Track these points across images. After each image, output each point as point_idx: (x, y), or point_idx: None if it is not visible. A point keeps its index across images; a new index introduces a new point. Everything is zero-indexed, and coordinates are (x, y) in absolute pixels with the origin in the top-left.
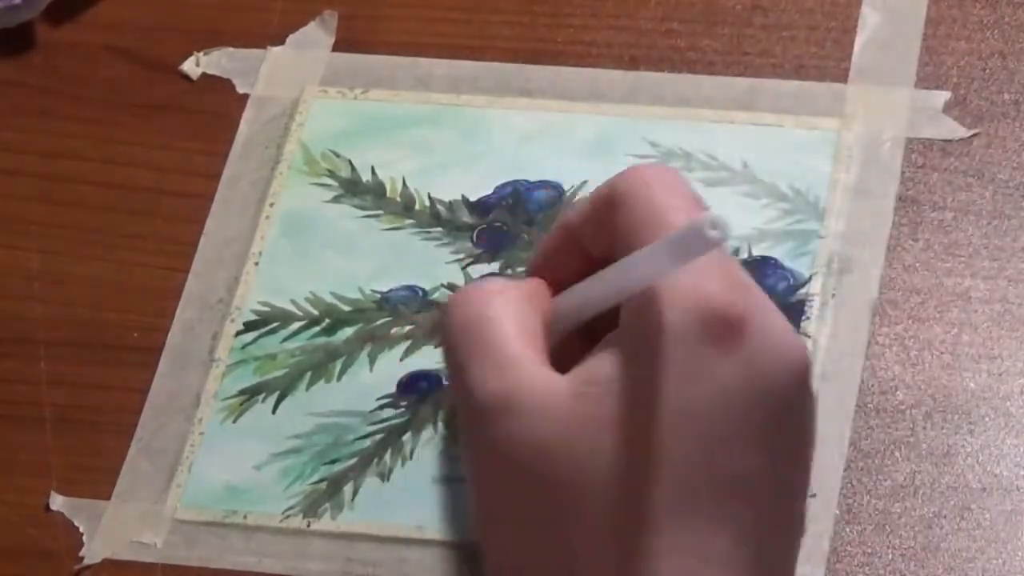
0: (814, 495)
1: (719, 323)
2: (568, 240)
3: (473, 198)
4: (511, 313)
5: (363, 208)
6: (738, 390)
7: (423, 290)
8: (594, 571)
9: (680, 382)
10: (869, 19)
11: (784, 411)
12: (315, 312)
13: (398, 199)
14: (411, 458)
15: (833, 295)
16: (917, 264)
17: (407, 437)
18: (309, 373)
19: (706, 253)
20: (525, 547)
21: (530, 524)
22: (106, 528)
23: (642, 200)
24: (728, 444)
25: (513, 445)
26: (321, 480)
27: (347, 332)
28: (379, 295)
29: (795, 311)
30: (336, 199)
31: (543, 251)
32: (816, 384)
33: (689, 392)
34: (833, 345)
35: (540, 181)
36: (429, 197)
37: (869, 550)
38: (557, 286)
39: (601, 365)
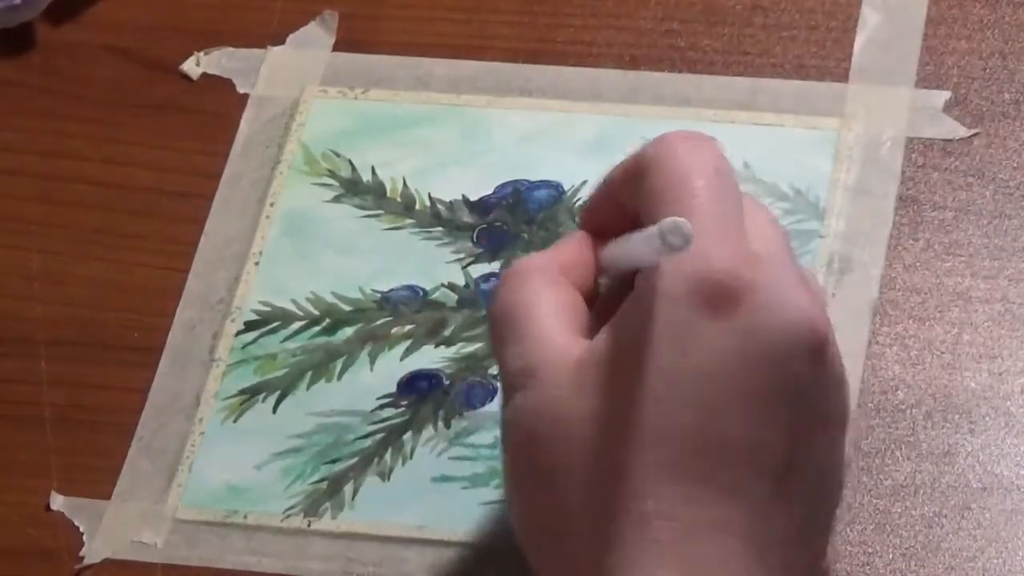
0: None
1: (714, 291)
2: (608, 197)
3: (473, 198)
4: (545, 292)
5: (363, 208)
6: (733, 358)
7: (423, 290)
8: (583, 535)
9: (668, 347)
10: (869, 19)
11: (787, 384)
12: (315, 312)
13: (398, 199)
14: (411, 458)
15: (833, 295)
16: (917, 264)
17: (407, 437)
18: (309, 373)
19: (671, 255)
20: (532, 514)
21: (534, 490)
22: (106, 528)
23: (666, 169)
24: (721, 412)
25: (522, 414)
26: (322, 480)
27: (347, 332)
28: (379, 295)
29: None
30: (336, 199)
31: (590, 204)
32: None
33: (678, 357)
34: None
35: (540, 181)
36: (429, 197)
37: (870, 549)
38: (605, 236)
39: (604, 331)
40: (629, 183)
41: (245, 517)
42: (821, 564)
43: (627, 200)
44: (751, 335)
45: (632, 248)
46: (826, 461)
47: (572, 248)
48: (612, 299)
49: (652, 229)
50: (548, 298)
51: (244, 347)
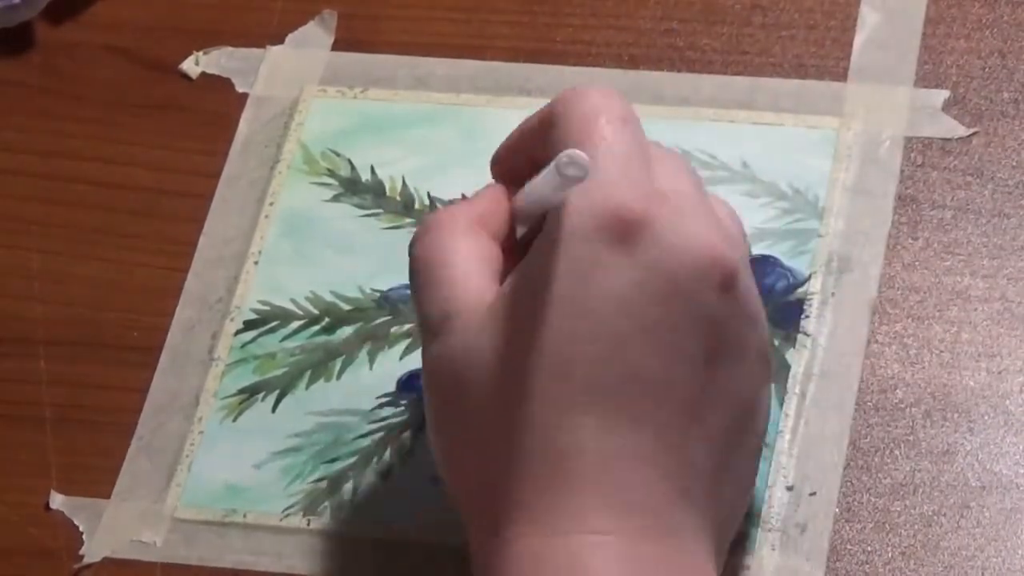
0: (814, 493)
1: (617, 223)
2: (520, 148)
3: None
4: (462, 242)
5: (363, 207)
6: (637, 288)
7: None
8: (500, 472)
9: (572, 280)
10: (868, 18)
11: (692, 316)
12: (315, 311)
13: (398, 198)
14: (411, 457)
15: (832, 294)
16: (916, 263)
17: (407, 435)
18: (309, 372)
19: (570, 188)
20: (453, 457)
21: (453, 432)
22: (106, 527)
23: (573, 116)
24: (626, 344)
25: (439, 359)
26: (321, 479)
27: (347, 331)
28: (379, 294)
29: (794, 310)
30: (336, 198)
31: (500, 155)
32: (815, 381)
33: (582, 290)
34: (832, 344)
35: None
36: (429, 196)
37: (869, 548)
38: (511, 182)
39: (514, 273)
40: (540, 135)
41: (244, 516)
42: (745, 499)
43: (539, 152)
44: (653, 267)
45: (537, 189)
46: (742, 395)
47: (488, 198)
48: (527, 245)
49: (551, 165)
50: (465, 247)
51: (243, 346)
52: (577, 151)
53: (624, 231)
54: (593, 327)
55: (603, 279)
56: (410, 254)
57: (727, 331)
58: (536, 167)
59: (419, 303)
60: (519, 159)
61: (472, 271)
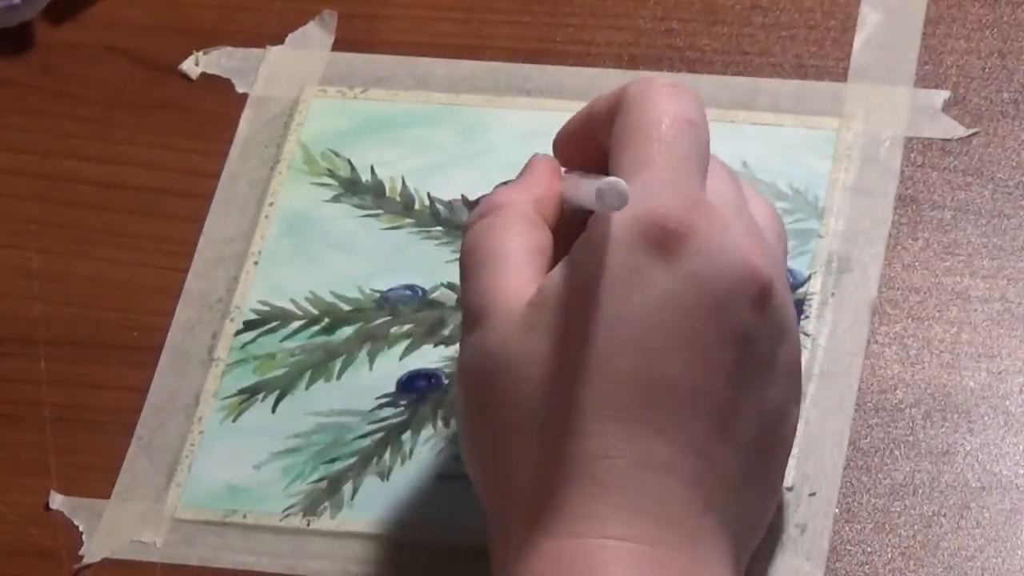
0: (813, 493)
1: (661, 233)
2: (586, 128)
3: (472, 197)
4: (518, 231)
5: (363, 207)
6: (674, 300)
7: (423, 289)
8: (529, 473)
9: (613, 287)
10: (868, 18)
11: (729, 329)
12: (315, 311)
13: (398, 198)
14: (411, 457)
15: (832, 294)
16: (916, 263)
17: (407, 436)
18: (309, 372)
19: (610, 212)
20: (482, 453)
21: (483, 428)
22: (106, 527)
23: (640, 110)
24: (663, 354)
25: (475, 353)
26: (321, 479)
27: (347, 331)
28: (379, 294)
29: (794, 310)
30: (336, 198)
31: (566, 132)
32: (815, 381)
33: (623, 298)
34: (832, 344)
35: None
36: (429, 196)
37: (869, 549)
38: (574, 165)
39: (555, 271)
40: (608, 117)
41: (244, 517)
42: (768, 511)
43: (603, 134)
44: (692, 279)
45: (583, 193)
46: (772, 409)
47: (545, 181)
48: (570, 231)
49: (594, 183)
50: (519, 238)
51: (243, 347)
52: (619, 181)
53: (665, 240)
54: (631, 336)
55: (641, 287)
56: (464, 234)
57: (759, 347)
58: (599, 149)
59: (463, 290)
60: (582, 140)
61: (522, 263)
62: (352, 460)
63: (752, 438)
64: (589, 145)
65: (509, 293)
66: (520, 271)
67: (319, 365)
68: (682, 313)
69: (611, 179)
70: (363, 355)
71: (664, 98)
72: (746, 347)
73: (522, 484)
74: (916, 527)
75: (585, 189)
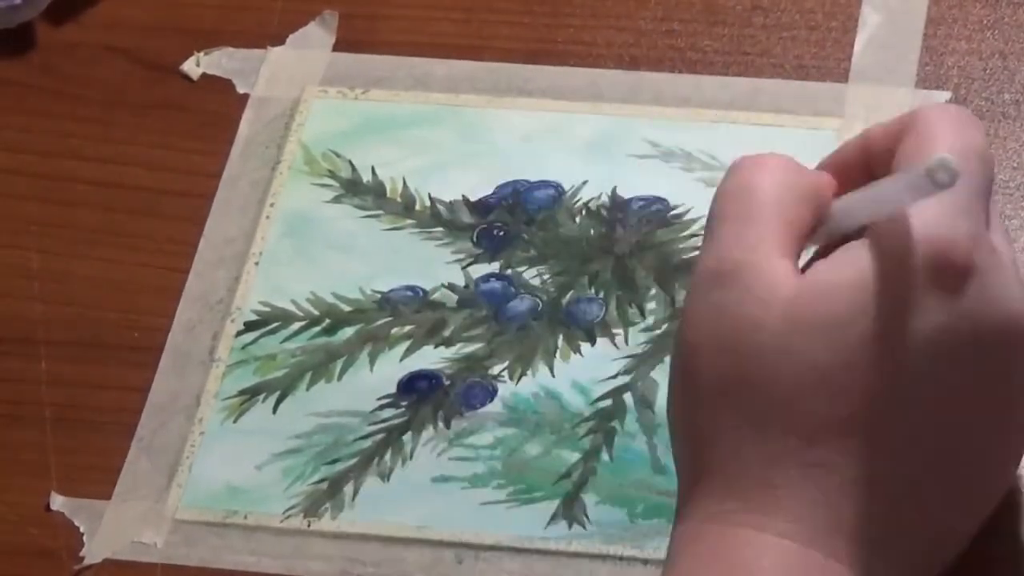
0: None
1: (941, 261)
2: (863, 150)
3: (473, 198)
4: (779, 193)
5: (363, 208)
6: (940, 334)
7: (423, 290)
8: (737, 456)
9: (890, 312)
10: (869, 19)
11: (988, 371)
12: (315, 312)
13: (398, 199)
14: (411, 458)
15: None
16: None
17: (407, 437)
18: (309, 373)
19: (935, 194)
20: (676, 427)
21: (682, 399)
22: (106, 528)
23: (932, 137)
24: (920, 384)
25: (715, 311)
26: (322, 480)
27: (347, 332)
28: (379, 295)
29: None
30: (336, 199)
31: (838, 154)
32: None
33: (897, 324)
34: None
35: (540, 181)
36: (429, 197)
37: None
38: (840, 193)
39: (826, 273)
40: (887, 147)
41: (245, 517)
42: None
43: (879, 164)
44: (967, 321)
45: (882, 193)
46: (1009, 458)
47: (822, 176)
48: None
49: (915, 167)
50: (777, 199)
51: (244, 347)
52: (949, 156)
53: (947, 271)
54: (893, 359)
55: (912, 313)
56: (723, 179)
57: (997, 393)
58: (864, 175)
59: (712, 236)
60: (853, 169)
61: (782, 231)
62: (353, 461)
63: (982, 490)
64: (859, 176)
65: (768, 264)
66: (777, 241)
67: (320, 366)
68: (948, 350)
69: (940, 155)
70: (364, 356)
71: (956, 127)
72: (991, 394)
73: (728, 463)
74: None
75: (886, 185)
